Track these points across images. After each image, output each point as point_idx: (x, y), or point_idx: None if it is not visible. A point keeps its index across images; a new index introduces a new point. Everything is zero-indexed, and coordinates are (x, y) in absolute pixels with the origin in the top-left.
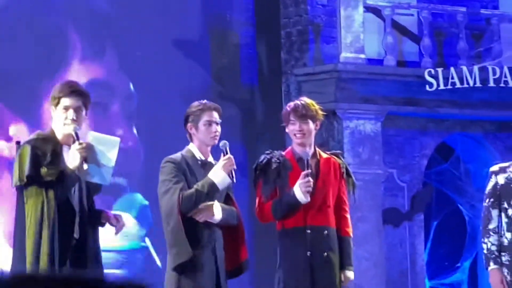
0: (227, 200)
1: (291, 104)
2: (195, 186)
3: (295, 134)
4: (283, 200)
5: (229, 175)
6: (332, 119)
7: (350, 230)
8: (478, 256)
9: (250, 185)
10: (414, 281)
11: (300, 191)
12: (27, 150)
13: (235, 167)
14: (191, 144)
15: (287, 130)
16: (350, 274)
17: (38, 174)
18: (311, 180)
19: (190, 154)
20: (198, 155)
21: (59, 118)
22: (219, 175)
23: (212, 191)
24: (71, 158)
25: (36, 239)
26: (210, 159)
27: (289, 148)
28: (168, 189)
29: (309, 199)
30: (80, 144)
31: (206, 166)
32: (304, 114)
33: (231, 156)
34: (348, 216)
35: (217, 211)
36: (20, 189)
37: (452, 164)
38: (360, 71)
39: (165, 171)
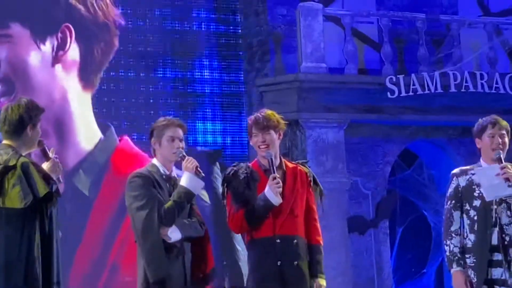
0: (190, 210)
1: (252, 117)
2: (172, 199)
3: (259, 146)
4: (256, 206)
5: (196, 174)
6: (295, 128)
7: (320, 238)
8: (444, 262)
9: (215, 197)
10: (381, 287)
11: (271, 192)
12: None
13: (197, 163)
14: (154, 159)
15: (251, 143)
16: (322, 282)
17: None
18: (280, 181)
19: (155, 169)
20: (163, 170)
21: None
22: (188, 178)
23: (189, 198)
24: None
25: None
26: (174, 174)
27: (255, 160)
28: (143, 204)
29: (281, 199)
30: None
31: (171, 181)
32: (265, 125)
33: (189, 157)
34: (317, 224)
35: (174, 234)
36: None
37: (416, 171)
38: (322, 80)
39: (134, 186)
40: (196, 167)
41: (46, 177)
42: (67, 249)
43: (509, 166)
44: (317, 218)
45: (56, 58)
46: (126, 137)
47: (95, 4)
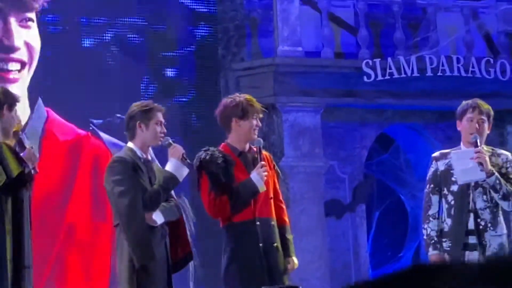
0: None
1: (242, 99)
2: (157, 183)
3: (254, 129)
4: (241, 191)
5: (182, 161)
6: (271, 112)
7: (287, 218)
8: (421, 246)
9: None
10: (358, 272)
11: (260, 179)
12: None
13: (183, 150)
14: (130, 143)
15: (238, 125)
16: (296, 260)
17: None
18: (267, 169)
19: (132, 153)
20: (140, 153)
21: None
22: (174, 164)
23: (174, 184)
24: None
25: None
26: (150, 157)
27: (224, 144)
28: (127, 189)
29: (265, 187)
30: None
31: (148, 165)
32: (260, 110)
33: (176, 145)
34: (283, 205)
35: (158, 218)
36: None
37: (393, 155)
38: (298, 64)
39: (116, 170)
40: (183, 154)
41: (20, 159)
42: None
43: (483, 151)
44: (282, 199)
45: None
46: (49, 109)
47: None
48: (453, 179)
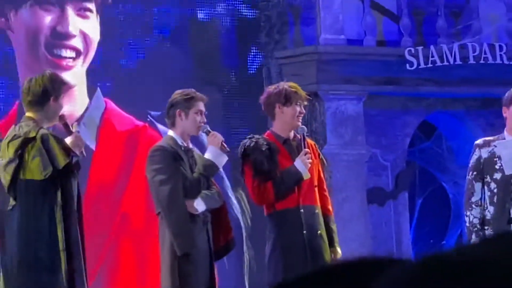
0: (209, 181)
1: (285, 86)
2: (197, 171)
3: (297, 116)
4: (285, 177)
5: (221, 149)
6: (314, 100)
7: (331, 208)
8: (463, 234)
9: (232, 168)
10: None
11: (303, 166)
12: None
13: (222, 138)
14: (170, 131)
15: (280, 112)
16: (340, 250)
17: None
18: (311, 156)
19: (173, 141)
20: (181, 142)
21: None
22: (213, 152)
23: (214, 172)
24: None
25: None
26: (190, 146)
27: (268, 132)
28: (168, 177)
29: (309, 174)
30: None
31: (189, 153)
32: (305, 97)
33: (215, 132)
34: (327, 194)
35: (200, 206)
36: None
37: (435, 142)
38: (340, 52)
39: (157, 159)
40: (222, 142)
41: (66, 149)
42: None
43: None
44: (326, 188)
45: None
46: (108, 99)
47: None
48: (496, 166)
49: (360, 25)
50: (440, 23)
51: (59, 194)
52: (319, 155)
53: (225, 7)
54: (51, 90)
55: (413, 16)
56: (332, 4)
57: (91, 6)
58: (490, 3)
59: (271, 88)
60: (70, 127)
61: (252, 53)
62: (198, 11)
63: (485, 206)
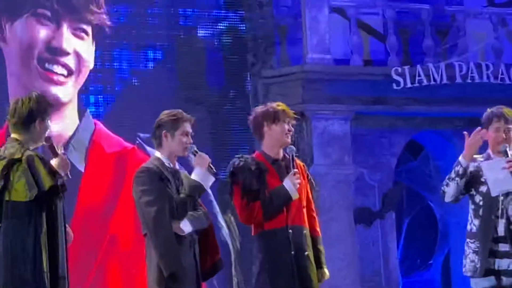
0: (195, 202)
1: (273, 105)
2: (184, 193)
3: (286, 134)
4: (274, 197)
5: (208, 170)
6: (301, 120)
7: (319, 229)
8: (451, 253)
9: (219, 191)
10: (388, 279)
11: (292, 186)
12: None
13: (209, 159)
14: (157, 152)
15: (270, 130)
16: (327, 271)
17: None
18: (300, 176)
19: (159, 162)
20: (168, 163)
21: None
22: (200, 173)
23: (200, 193)
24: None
25: None
26: (177, 167)
27: (257, 152)
28: (154, 198)
29: (298, 194)
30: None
31: (176, 174)
32: (293, 117)
33: (202, 153)
34: (315, 216)
35: (186, 228)
36: None
37: (422, 162)
38: (327, 71)
39: (143, 180)
40: (209, 163)
41: (52, 171)
42: None
43: None
44: (314, 209)
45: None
46: (97, 121)
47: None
48: (482, 179)
49: (347, 45)
50: (427, 42)
51: (44, 216)
52: (307, 176)
53: (212, 28)
54: (37, 112)
55: (400, 35)
56: (319, 24)
57: (88, 28)
58: (476, 22)
59: (258, 108)
60: (56, 148)
61: (238, 73)
62: (185, 33)
63: (471, 219)
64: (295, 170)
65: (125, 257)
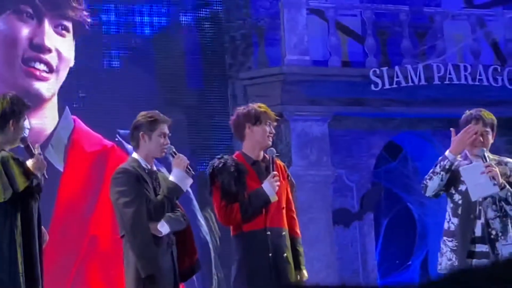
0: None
1: (255, 106)
2: (162, 194)
3: (268, 136)
4: (252, 200)
5: (186, 172)
6: (279, 121)
7: (299, 230)
8: (429, 254)
9: (199, 189)
10: (366, 280)
11: (271, 188)
12: None
13: (187, 161)
14: (134, 153)
15: (251, 131)
16: (306, 272)
17: None
18: (279, 179)
19: (137, 163)
20: (145, 164)
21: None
22: (178, 175)
23: (178, 195)
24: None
25: None
26: (154, 168)
27: (238, 152)
28: (132, 200)
29: (277, 197)
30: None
31: (153, 175)
32: (274, 118)
33: (180, 155)
34: (295, 216)
35: (164, 229)
36: None
37: (401, 163)
38: (305, 73)
39: (121, 181)
40: (187, 165)
41: (27, 172)
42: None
43: (493, 164)
44: (294, 210)
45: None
46: (76, 118)
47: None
48: (461, 179)
49: (325, 46)
50: (405, 43)
51: (19, 216)
52: (288, 176)
53: (190, 28)
54: (11, 113)
55: (378, 36)
56: (297, 25)
57: (69, 24)
58: (454, 23)
59: (240, 109)
60: (32, 149)
61: (217, 74)
62: (164, 33)
63: (449, 218)
64: (274, 172)
65: (105, 257)
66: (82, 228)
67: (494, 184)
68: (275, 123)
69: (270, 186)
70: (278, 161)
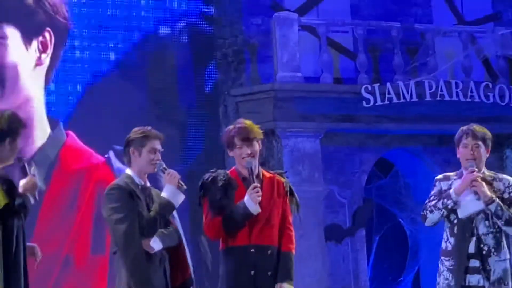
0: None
1: (232, 128)
2: (154, 210)
3: (243, 158)
4: (234, 213)
5: (179, 187)
6: (271, 138)
7: (293, 246)
8: (421, 270)
9: (191, 206)
10: None
11: (251, 201)
12: None
13: (179, 176)
14: (128, 170)
15: (231, 154)
16: (287, 286)
17: None
18: (260, 190)
19: (130, 179)
20: (138, 180)
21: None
22: (170, 191)
23: (170, 211)
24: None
25: None
26: (148, 184)
27: (233, 168)
28: (123, 217)
29: (259, 209)
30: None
31: (146, 191)
32: (250, 137)
33: (171, 170)
34: (292, 233)
35: (156, 245)
36: None
37: (392, 179)
38: (297, 89)
39: (113, 198)
40: (179, 180)
41: (10, 190)
42: None
43: (479, 179)
44: (292, 227)
45: (39, 60)
46: (71, 132)
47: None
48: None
49: (317, 63)
50: (397, 60)
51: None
52: (286, 193)
53: (182, 45)
54: (8, 132)
55: (370, 53)
56: (289, 42)
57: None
58: (446, 40)
59: (228, 128)
60: (28, 170)
61: (209, 91)
62: (157, 48)
63: (446, 237)
64: (255, 184)
65: (81, 276)
66: (59, 247)
67: (478, 199)
68: (248, 143)
69: (249, 198)
70: (278, 177)
